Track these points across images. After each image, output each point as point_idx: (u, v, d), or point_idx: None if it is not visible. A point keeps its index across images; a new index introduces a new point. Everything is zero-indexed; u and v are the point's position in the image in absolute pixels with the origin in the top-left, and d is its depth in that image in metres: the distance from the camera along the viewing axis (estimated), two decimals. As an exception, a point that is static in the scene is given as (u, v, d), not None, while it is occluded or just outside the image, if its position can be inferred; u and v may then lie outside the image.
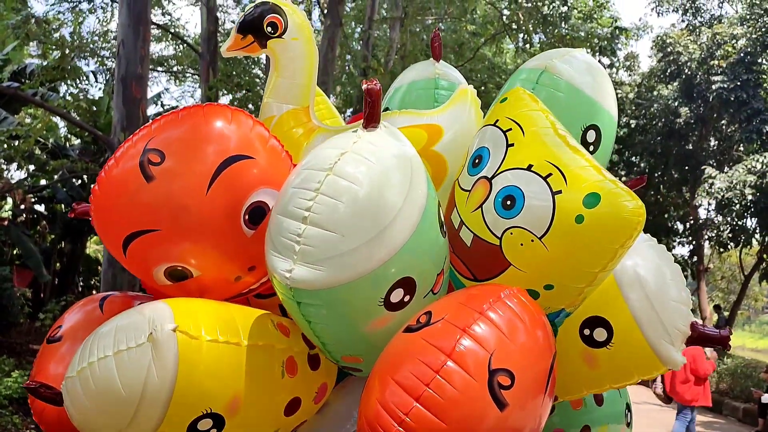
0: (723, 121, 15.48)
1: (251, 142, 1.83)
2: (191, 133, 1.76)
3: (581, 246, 1.68)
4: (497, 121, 1.90)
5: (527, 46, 13.20)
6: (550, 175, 1.71)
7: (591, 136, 2.11)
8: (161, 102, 15.79)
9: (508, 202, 1.73)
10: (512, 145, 1.81)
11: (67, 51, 9.92)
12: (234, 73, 13.49)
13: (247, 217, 1.77)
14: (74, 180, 14.43)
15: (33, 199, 14.72)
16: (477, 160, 1.86)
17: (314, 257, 1.50)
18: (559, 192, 1.68)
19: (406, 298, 1.66)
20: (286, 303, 1.64)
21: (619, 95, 16.85)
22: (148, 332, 1.53)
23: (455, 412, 1.40)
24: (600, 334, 1.94)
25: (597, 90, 2.16)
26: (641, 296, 1.89)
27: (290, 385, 1.77)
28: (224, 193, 1.73)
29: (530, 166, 1.74)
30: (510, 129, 1.84)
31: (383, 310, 1.64)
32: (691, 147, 16.07)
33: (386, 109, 2.44)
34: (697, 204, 16.27)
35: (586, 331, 1.96)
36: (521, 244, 1.71)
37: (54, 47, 10.85)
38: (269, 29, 2.07)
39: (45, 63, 12.42)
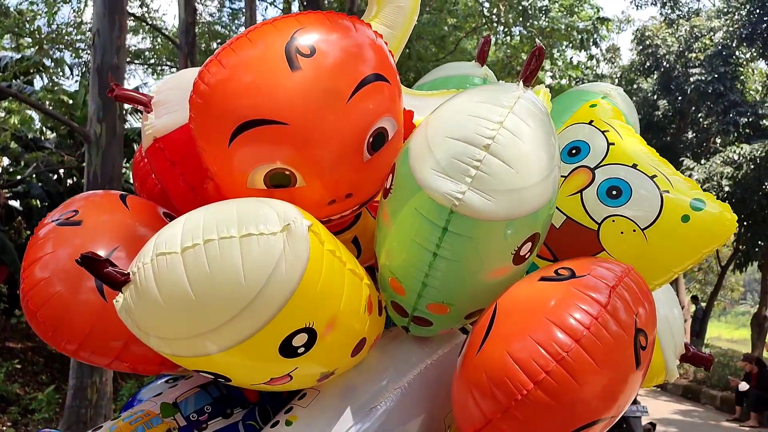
0: (700, 114, 15.65)
1: (390, 66, 1.72)
2: (344, 37, 1.62)
3: (678, 243, 1.81)
4: (592, 121, 2.01)
5: (508, 38, 13.23)
6: (655, 176, 1.84)
7: None
8: (139, 95, 15.61)
9: (614, 192, 1.82)
10: (613, 144, 1.91)
11: (44, 44, 9.74)
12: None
13: (371, 140, 1.64)
14: (50, 174, 14.21)
15: (8, 194, 14.47)
16: (574, 151, 1.91)
17: (489, 186, 1.46)
18: (666, 192, 1.81)
19: (527, 254, 1.64)
20: (421, 226, 1.53)
21: (599, 88, 17.00)
22: (281, 222, 1.37)
23: (608, 358, 1.42)
24: None
25: (636, 127, 2.27)
26: (661, 317, 1.94)
27: (366, 323, 1.65)
28: (360, 107, 1.60)
29: (635, 165, 1.86)
30: (607, 130, 1.96)
31: (509, 261, 1.61)
32: (669, 139, 16.22)
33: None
34: (675, 196, 16.41)
35: None
36: (621, 233, 1.79)
37: (29, 39, 10.65)
38: None
39: (19, 55, 12.21)
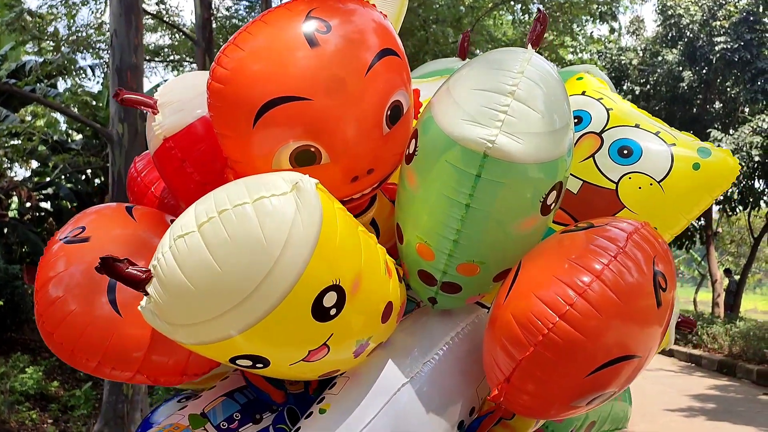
0: (727, 83, 15.31)
1: (398, 43, 1.79)
2: (356, 15, 1.69)
3: (690, 191, 1.91)
4: (584, 92, 2.08)
5: (525, 16, 13.03)
6: (658, 132, 1.95)
7: None
8: (160, 93, 15.73)
9: (625, 152, 1.91)
10: (611, 109, 2.00)
11: (61, 44, 9.86)
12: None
13: (388, 113, 1.69)
14: (78, 175, 14.44)
15: (38, 197, 14.76)
16: (576, 120, 1.95)
17: (517, 129, 1.52)
18: (673, 144, 1.92)
19: (552, 205, 1.68)
20: (452, 178, 1.58)
21: (623, 61, 16.70)
22: (289, 183, 1.41)
23: (628, 293, 1.47)
24: None
25: None
26: None
27: (389, 286, 1.67)
28: (377, 80, 1.65)
29: (637, 125, 1.97)
30: (601, 98, 2.05)
31: (537, 210, 1.65)
32: (696, 111, 15.91)
33: None
34: (703, 168, 16.12)
35: None
36: (639, 188, 1.87)
37: (50, 42, 10.79)
38: None
39: (42, 59, 12.38)
